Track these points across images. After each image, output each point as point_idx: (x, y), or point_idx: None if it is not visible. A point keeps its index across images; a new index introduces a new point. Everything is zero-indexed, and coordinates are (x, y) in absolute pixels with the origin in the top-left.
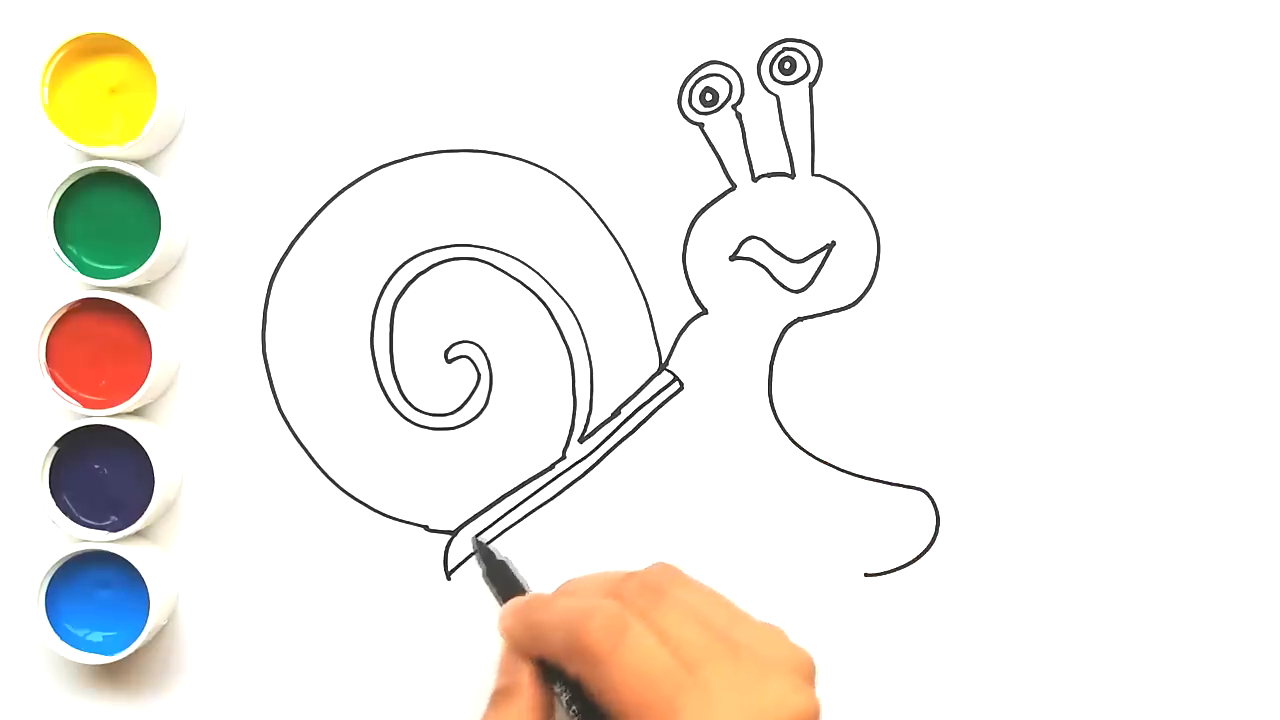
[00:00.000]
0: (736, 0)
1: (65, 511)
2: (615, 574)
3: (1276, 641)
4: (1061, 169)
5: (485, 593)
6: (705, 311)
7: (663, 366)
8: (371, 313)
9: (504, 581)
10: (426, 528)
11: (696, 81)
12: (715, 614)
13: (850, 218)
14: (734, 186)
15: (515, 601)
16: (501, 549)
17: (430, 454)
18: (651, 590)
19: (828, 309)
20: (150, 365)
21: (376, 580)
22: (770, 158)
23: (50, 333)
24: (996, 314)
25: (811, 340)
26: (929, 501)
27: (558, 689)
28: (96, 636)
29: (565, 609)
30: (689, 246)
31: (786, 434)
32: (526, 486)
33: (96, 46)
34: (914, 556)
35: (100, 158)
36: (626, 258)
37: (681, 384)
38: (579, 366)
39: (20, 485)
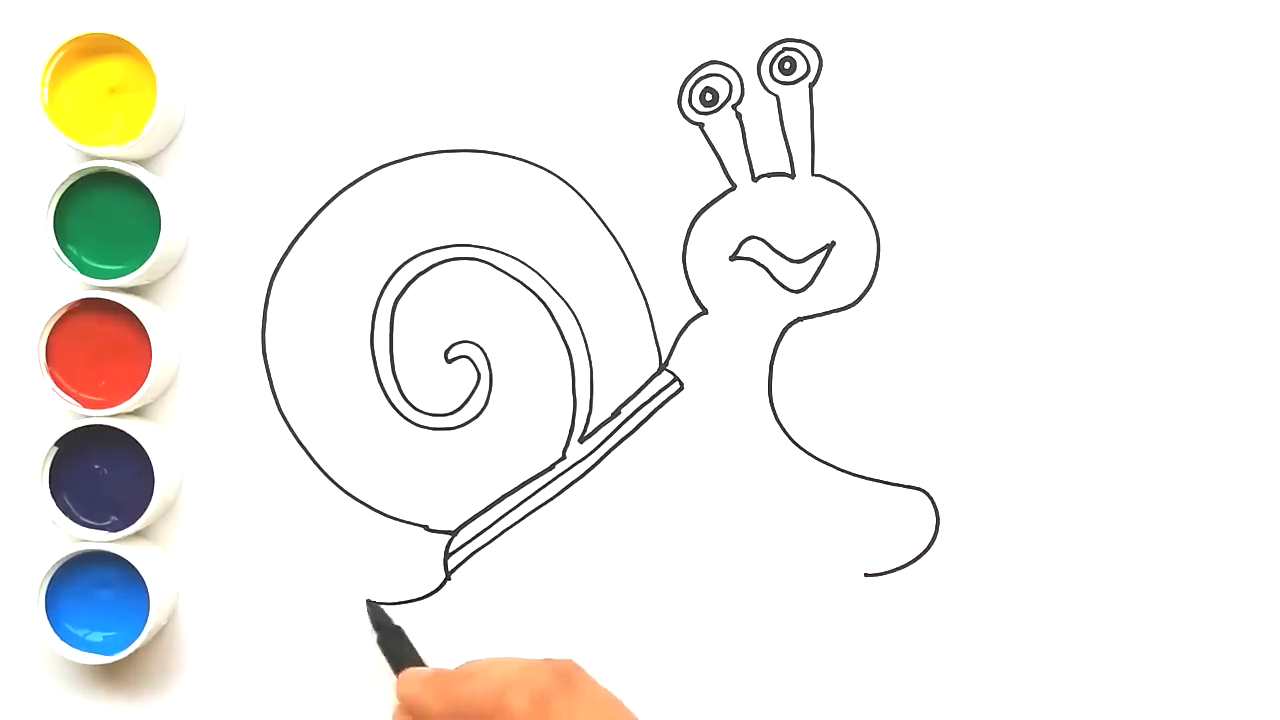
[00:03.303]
0: (736, 0)
1: (65, 511)
2: (519, 660)
3: (1276, 641)
4: (1061, 169)
5: (485, 593)
6: (705, 311)
7: (663, 366)
8: (371, 313)
9: (399, 649)
10: (426, 528)
11: (696, 81)
12: (617, 713)
13: (850, 218)
14: (734, 186)
15: (419, 671)
16: (394, 615)
17: (430, 454)
18: (563, 678)
19: (828, 309)
20: (150, 365)
21: (376, 580)
22: (770, 158)
23: (50, 333)
24: (996, 314)
25: (811, 340)
26: (929, 501)
27: None
28: (96, 636)
29: (491, 681)
30: (689, 246)
31: (786, 434)
32: (526, 486)
33: (96, 46)
34: (914, 556)
35: (100, 158)
36: (626, 258)
37: (681, 384)
38: (579, 366)
39: (20, 485)
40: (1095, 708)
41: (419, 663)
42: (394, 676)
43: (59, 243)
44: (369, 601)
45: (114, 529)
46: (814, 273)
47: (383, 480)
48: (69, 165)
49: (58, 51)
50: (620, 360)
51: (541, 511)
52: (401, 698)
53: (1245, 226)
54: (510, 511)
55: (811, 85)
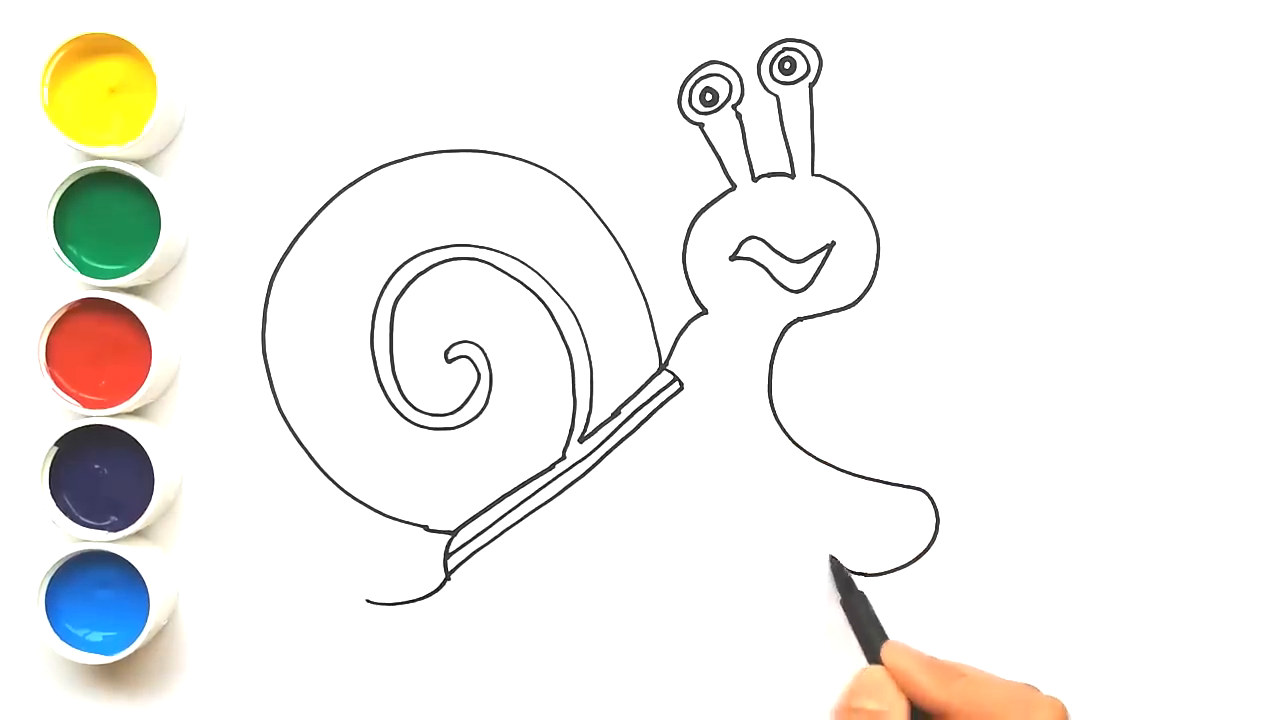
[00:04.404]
0: (736, 0)
1: (65, 511)
2: (1015, 682)
3: (1277, 641)
4: (1061, 169)
5: (485, 593)
6: (705, 311)
7: (663, 366)
8: (371, 313)
9: (865, 614)
10: (426, 528)
11: (696, 81)
12: None
13: (850, 218)
14: (734, 186)
15: (909, 650)
16: (858, 581)
17: (430, 454)
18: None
19: (828, 309)
20: (150, 365)
21: (376, 580)
22: (770, 158)
23: (50, 333)
24: (996, 314)
25: (811, 340)
26: (929, 501)
27: None
28: (96, 636)
29: (1010, 692)
30: (689, 246)
31: (786, 434)
32: (526, 486)
33: (96, 46)
34: (914, 556)
35: (100, 158)
36: (626, 258)
37: (681, 384)
38: (579, 366)
39: (20, 485)
40: (1095, 707)
41: (883, 630)
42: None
43: (59, 243)
44: (833, 560)
45: (114, 529)
46: (814, 273)
47: (383, 480)
48: (69, 165)
49: (58, 51)
50: (620, 360)
51: (541, 511)
52: (892, 669)
53: (1245, 226)
54: (510, 511)
55: (811, 85)
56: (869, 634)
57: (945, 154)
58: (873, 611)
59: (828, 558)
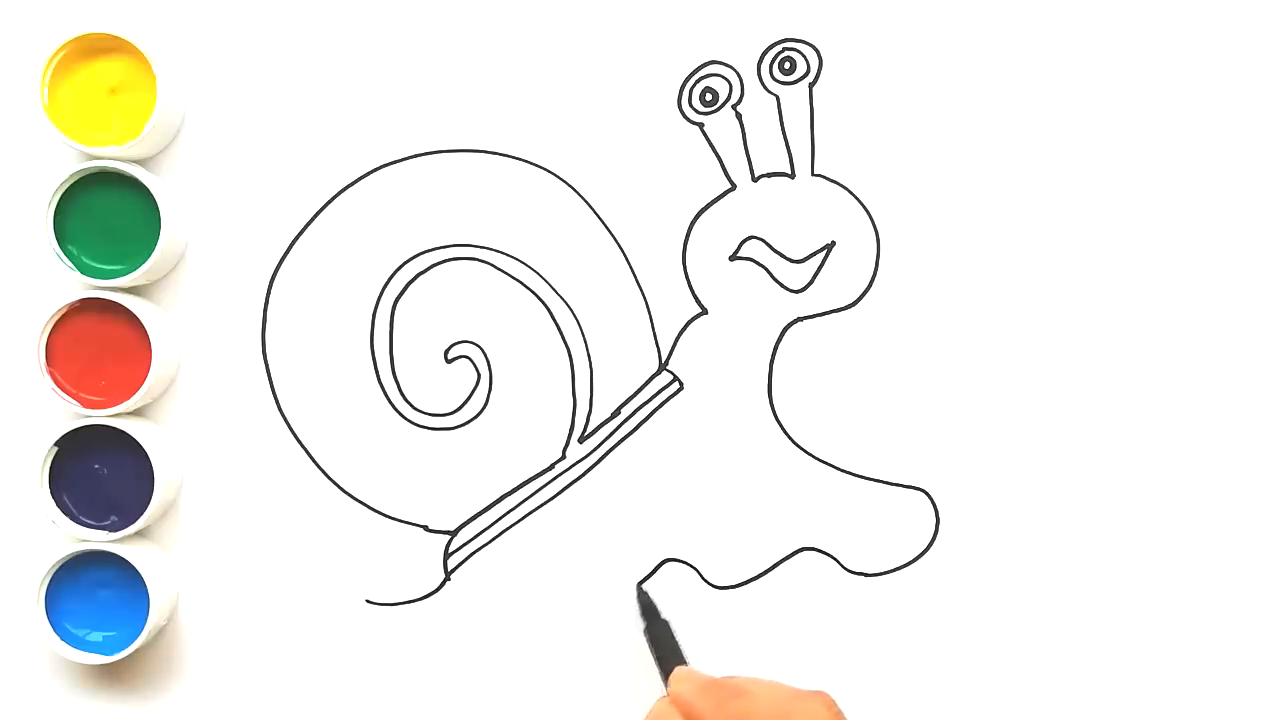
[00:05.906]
0: (736, 0)
1: (65, 511)
2: (785, 685)
3: (1277, 641)
4: (1061, 169)
5: (485, 593)
6: (705, 311)
7: (663, 366)
8: (371, 313)
9: (666, 641)
10: (426, 528)
11: (696, 81)
12: None
13: (850, 218)
14: (734, 186)
15: (693, 674)
16: (664, 608)
17: (430, 454)
18: (837, 716)
19: (828, 309)
20: (150, 365)
21: (376, 580)
22: (770, 158)
23: (50, 333)
24: (996, 314)
25: (811, 340)
26: (929, 501)
27: None
28: (96, 636)
29: (774, 704)
30: (689, 246)
31: (786, 434)
32: (526, 486)
33: (96, 46)
34: (914, 556)
35: (100, 158)
36: (626, 258)
37: (681, 384)
38: (579, 366)
39: (20, 485)
40: (1095, 708)
41: (682, 657)
42: (656, 668)
43: (59, 243)
44: (640, 589)
45: (114, 529)
46: (814, 273)
47: (383, 480)
48: (69, 165)
49: (58, 51)
50: (620, 360)
51: (541, 511)
52: (674, 697)
53: (1245, 226)
54: (510, 511)
55: (811, 85)
56: (668, 663)
57: (945, 154)
58: (675, 641)
59: (635, 588)
